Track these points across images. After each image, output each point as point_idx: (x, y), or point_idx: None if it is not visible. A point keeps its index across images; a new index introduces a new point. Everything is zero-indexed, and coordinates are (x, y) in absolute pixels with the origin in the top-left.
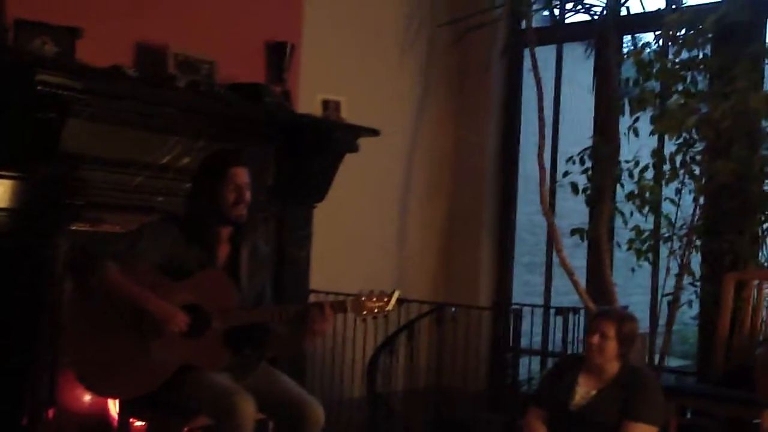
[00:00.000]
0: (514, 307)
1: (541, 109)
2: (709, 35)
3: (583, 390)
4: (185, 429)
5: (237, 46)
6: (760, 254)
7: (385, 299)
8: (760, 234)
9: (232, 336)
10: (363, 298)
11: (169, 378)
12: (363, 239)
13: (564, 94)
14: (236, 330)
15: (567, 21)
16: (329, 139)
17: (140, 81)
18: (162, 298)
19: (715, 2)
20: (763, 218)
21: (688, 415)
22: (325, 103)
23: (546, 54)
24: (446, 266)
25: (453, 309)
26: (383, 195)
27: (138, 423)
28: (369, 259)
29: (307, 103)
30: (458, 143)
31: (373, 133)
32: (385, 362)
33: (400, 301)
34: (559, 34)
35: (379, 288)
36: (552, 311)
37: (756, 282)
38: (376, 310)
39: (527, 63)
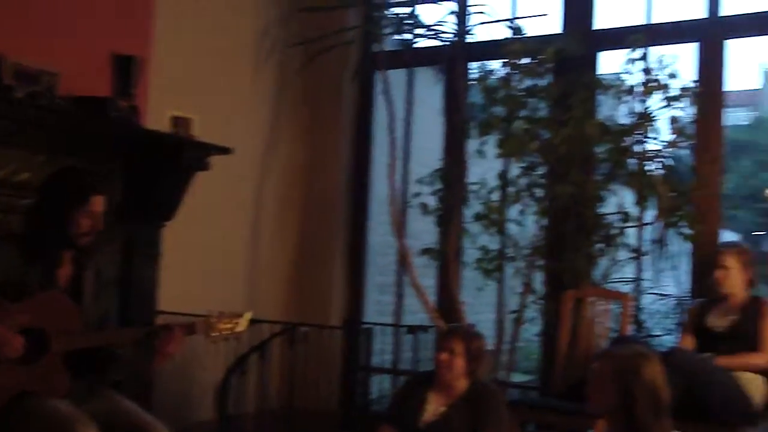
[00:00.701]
0: (364, 326)
1: (392, 131)
2: (549, 65)
3: (433, 407)
4: None
5: (81, 58)
6: (595, 273)
7: (236, 320)
8: (594, 254)
9: (73, 360)
10: (213, 320)
11: (4, 406)
12: (214, 259)
13: (415, 116)
14: (77, 353)
15: (418, 46)
16: (179, 157)
17: None
18: None
19: (554, 34)
20: (597, 239)
21: (531, 429)
22: (175, 120)
23: (398, 77)
24: (298, 286)
25: (304, 328)
26: (235, 214)
27: None
28: (220, 278)
29: (157, 119)
30: (311, 163)
31: (224, 151)
32: (236, 383)
33: (251, 321)
34: (409, 58)
35: (230, 308)
36: (403, 330)
37: (592, 299)
38: (226, 332)
39: (380, 85)
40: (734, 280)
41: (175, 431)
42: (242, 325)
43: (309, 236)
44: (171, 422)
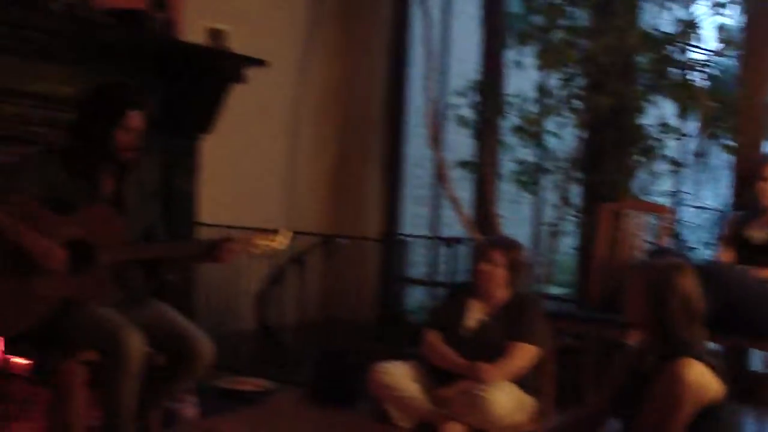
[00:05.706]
0: (401, 237)
1: (428, 42)
2: None
3: (474, 315)
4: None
5: None
6: (633, 185)
7: (272, 237)
8: (633, 166)
9: (121, 270)
10: (258, 237)
11: (53, 314)
12: (252, 171)
13: (453, 27)
14: (125, 264)
15: None
16: (215, 69)
17: (8, 3)
18: (47, 232)
19: None
20: (636, 151)
21: (568, 340)
22: (211, 32)
23: None
24: (336, 199)
25: (342, 240)
26: (272, 127)
27: (23, 361)
28: (258, 191)
29: (192, 31)
30: (348, 76)
31: (260, 63)
32: (276, 295)
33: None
34: None
35: (268, 220)
36: (438, 242)
37: (629, 212)
38: (265, 247)
39: None
40: None
41: (216, 340)
42: (280, 241)
43: (346, 149)
44: (212, 331)
